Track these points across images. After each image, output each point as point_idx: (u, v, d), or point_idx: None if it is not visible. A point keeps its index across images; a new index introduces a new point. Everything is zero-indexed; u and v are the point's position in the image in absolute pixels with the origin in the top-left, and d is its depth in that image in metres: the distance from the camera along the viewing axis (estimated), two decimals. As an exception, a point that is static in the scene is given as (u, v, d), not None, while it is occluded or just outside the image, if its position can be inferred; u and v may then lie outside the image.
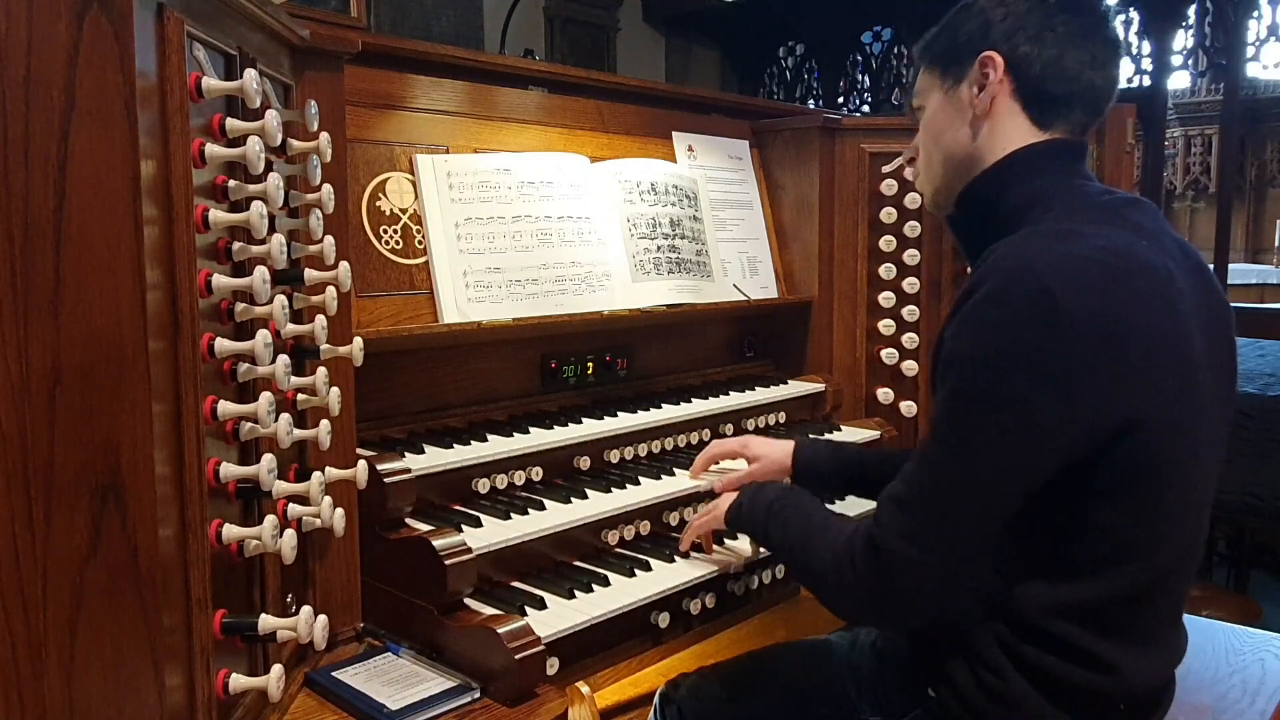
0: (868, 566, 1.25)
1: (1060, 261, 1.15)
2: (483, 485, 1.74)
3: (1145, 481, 1.19)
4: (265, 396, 1.14)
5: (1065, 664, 1.22)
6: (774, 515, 1.49)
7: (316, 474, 1.28)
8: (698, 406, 2.12)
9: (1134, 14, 6.26)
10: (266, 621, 1.14)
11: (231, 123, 1.14)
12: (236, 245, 1.18)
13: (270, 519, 1.15)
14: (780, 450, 1.83)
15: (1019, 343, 1.13)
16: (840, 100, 7.40)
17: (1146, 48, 6.19)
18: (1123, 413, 1.15)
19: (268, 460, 1.15)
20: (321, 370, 1.36)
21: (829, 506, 1.63)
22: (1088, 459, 1.16)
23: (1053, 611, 1.22)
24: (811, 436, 1.91)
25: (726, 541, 1.83)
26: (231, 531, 1.12)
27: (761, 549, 1.75)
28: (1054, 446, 1.16)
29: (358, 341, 1.46)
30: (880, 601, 1.27)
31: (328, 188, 1.39)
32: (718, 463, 1.91)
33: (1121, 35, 6.41)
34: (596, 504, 1.76)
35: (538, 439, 1.81)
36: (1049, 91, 1.34)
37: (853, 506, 2.00)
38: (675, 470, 1.94)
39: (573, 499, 1.75)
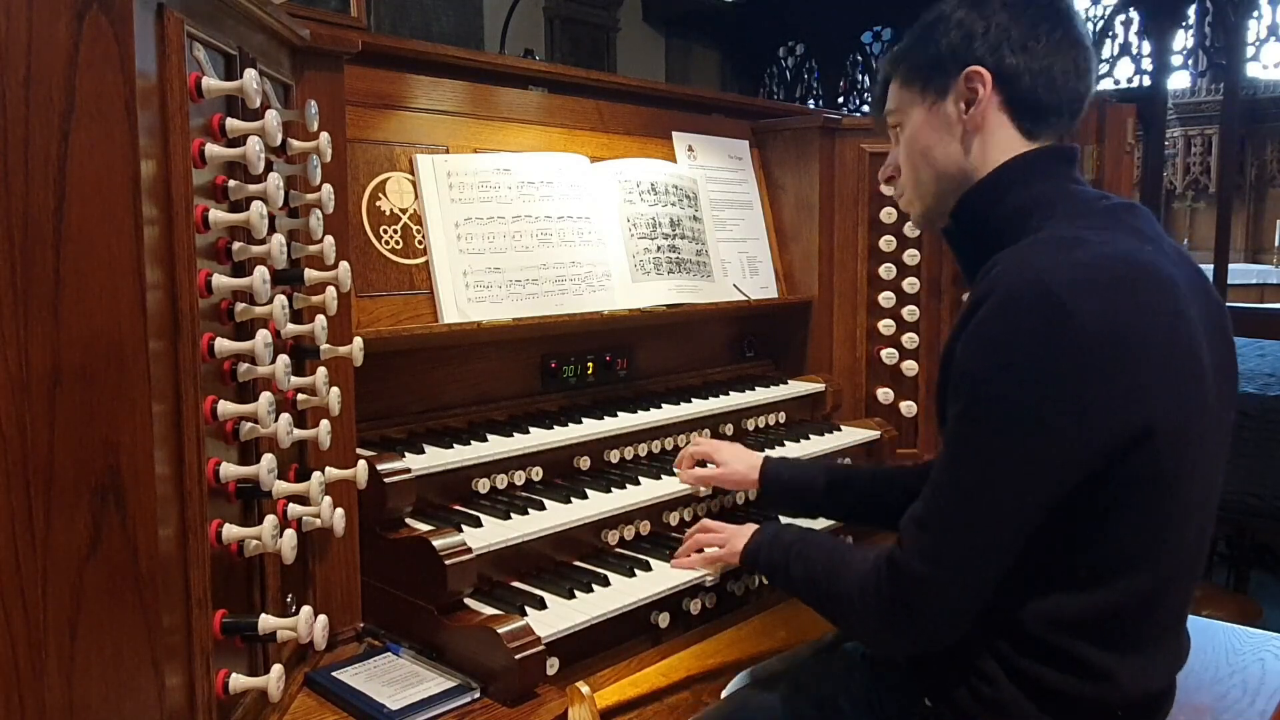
0: (892, 590, 1.24)
1: (1068, 270, 1.13)
2: (483, 485, 1.74)
3: (1152, 491, 1.17)
4: (265, 396, 1.14)
5: (1060, 674, 1.21)
6: (795, 555, 1.46)
7: (316, 474, 1.28)
8: (698, 406, 2.12)
9: (1134, 14, 6.26)
10: (266, 621, 1.14)
11: (231, 123, 1.14)
12: (236, 245, 1.18)
13: (270, 519, 1.15)
14: (746, 462, 1.85)
15: (1030, 354, 1.11)
16: (840, 100, 7.42)
17: (1146, 48, 6.19)
18: (1136, 421, 1.13)
19: (268, 460, 1.15)
20: (321, 370, 1.36)
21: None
22: (1100, 471, 1.14)
23: (1050, 623, 1.21)
24: (780, 455, 1.94)
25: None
26: (231, 531, 1.12)
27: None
28: (1070, 459, 1.13)
29: (358, 341, 1.46)
30: (906, 625, 1.25)
31: (328, 188, 1.39)
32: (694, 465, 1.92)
33: (1121, 35, 6.44)
34: (596, 504, 1.76)
35: (538, 439, 1.81)
36: (1039, 102, 1.32)
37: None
38: (675, 470, 1.93)
39: (573, 499, 1.75)
